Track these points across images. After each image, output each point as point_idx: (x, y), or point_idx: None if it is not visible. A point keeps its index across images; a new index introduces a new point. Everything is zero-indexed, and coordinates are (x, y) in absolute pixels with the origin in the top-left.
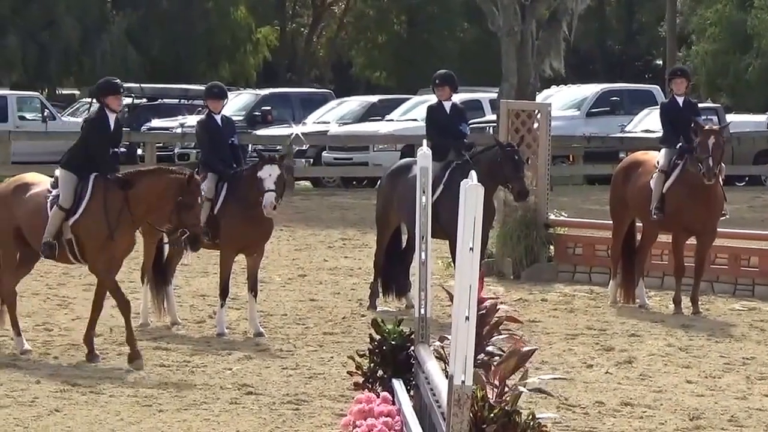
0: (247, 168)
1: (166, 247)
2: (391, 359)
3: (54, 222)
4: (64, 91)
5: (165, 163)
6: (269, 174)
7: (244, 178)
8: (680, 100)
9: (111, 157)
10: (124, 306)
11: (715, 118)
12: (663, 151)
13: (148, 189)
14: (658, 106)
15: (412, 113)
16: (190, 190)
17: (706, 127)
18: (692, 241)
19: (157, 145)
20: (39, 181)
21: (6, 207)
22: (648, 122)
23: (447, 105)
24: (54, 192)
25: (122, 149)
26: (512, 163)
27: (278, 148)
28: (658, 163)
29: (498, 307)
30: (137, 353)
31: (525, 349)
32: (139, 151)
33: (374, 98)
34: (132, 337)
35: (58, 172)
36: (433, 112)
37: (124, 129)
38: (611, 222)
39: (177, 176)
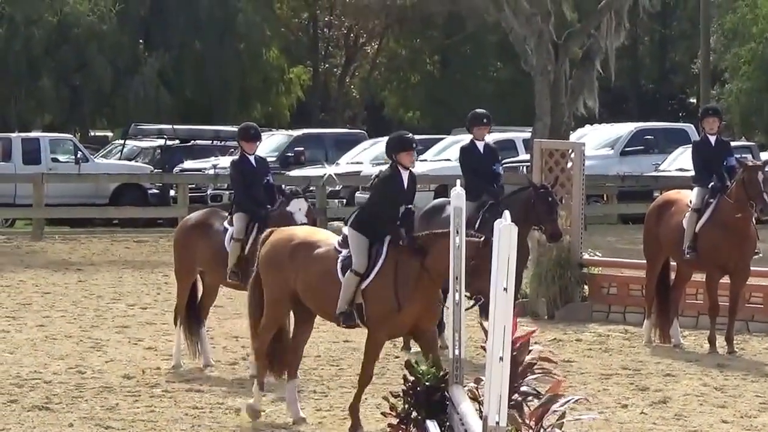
0: (274, 209)
1: (200, 289)
2: (426, 400)
3: (349, 288)
4: (97, 133)
5: (198, 205)
6: (298, 208)
7: (273, 218)
8: (712, 138)
9: (405, 215)
10: (365, 378)
11: (749, 156)
12: (695, 189)
13: (443, 254)
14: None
15: (445, 153)
16: (484, 254)
17: (750, 163)
18: (726, 279)
19: (190, 186)
20: (319, 239)
21: (282, 269)
22: (682, 161)
23: (480, 145)
24: (344, 253)
25: (409, 207)
26: (545, 204)
27: (312, 188)
28: (690, 202)
29: (531, 347)
30: (357, 424)
31: (566, 396)
32: (172, 193)
33: None
34: (356, 406)
35: (346, 230)
36: (467, 152)
37: (155, 171)
38: (645, 261)
39: (471, 240)
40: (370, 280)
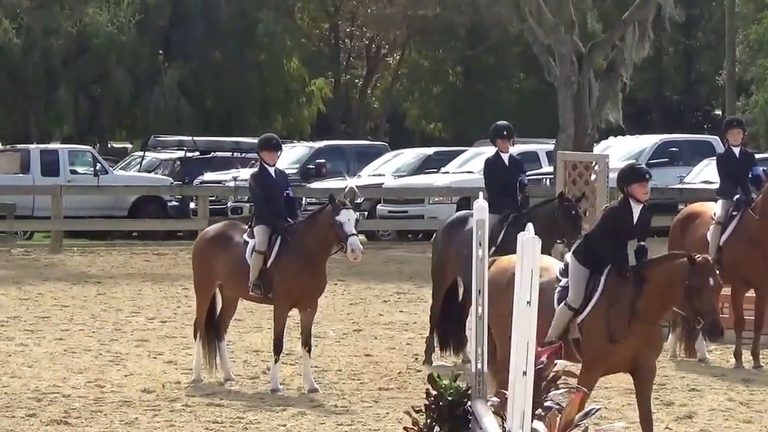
0: (302, 221)
1: (219, 301)
2: (448, 415)
3: (561, 321)
4: (116, 145)
5: (218, 217)
6: (348, 218)
7: (301, 231)
8: (736, 150)
9: (638, 253)
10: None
11: None
12: (720, 202)
13: (659, 279)
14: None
15: (468, 165)
16: (698, 273)
17: None
18: (752, 293)
19: (210, 198)
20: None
21: (501, 301)
22: (707, 173)
23: (505, 157)
24: (562, 282)
25: (642, 244)
26: (569, 217)
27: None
28: (715, 214)
29: (556, 361)
30: None
31: (587, 407)
32: (192, 205)
33: (429, 150)
34: None
35: (568, 257)
36: (491, 164)
37: (175, 183)
38: None
39: (682, 261)
40: (586, 315)
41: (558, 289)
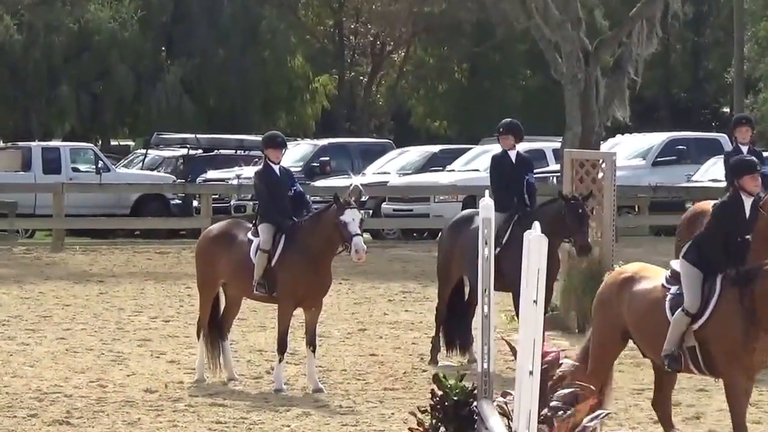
0: (306, 219)
1: (223, 301)
2: (454, 415)
3: (677, 329)
4: (119, 142)
5: (222, 216)
6: (352, 218)
7: (305, 230)
8: (745, 148)
9: (740, 248)
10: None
11: None
12: None
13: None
14: None
15: (473, 163)
16: None
17: None
18: None
19: (213, 196)
20: (648, 275)
21: (610, 307)
22: (715, 171)
23: (512, 155)
24: (673, 289)
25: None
26: (576, 216)
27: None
28: None
29: (562, 361)
30: None
31: (596, 412)
32: (195, 203)
33: (435, 148)
34: None
35: (675, 264)
36: (498, 162)
37: (178, 181)
38: None
39: None
40: (705, 320)
41: (669, 297)
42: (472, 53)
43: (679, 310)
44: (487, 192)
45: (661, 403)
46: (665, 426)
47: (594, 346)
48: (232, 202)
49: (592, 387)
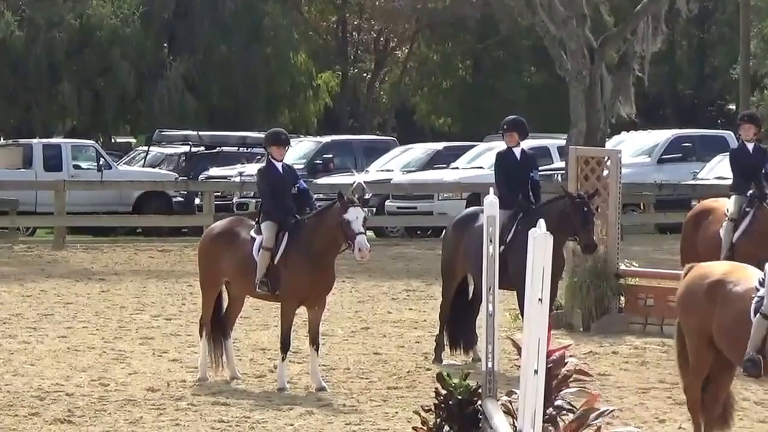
0: (310, 217)
1: (226, 300)
2: (458, 414)
3: (758, 333)
4: (120, 139)
5: (224, 213)
6: (356, 216)
7: (307, 227)
8: (750, 146)
9: None
10: None
11: None
12: (733, 198)
13: None
14: None
15: (478, 161)
16: None
17: None
18: None
19: (216, 194)
20: (739, 277)
21: (698, 311)
22: (721, 169)
23: (517, 152)
24: (761, 292)
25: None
26: (581, 214)
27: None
28: (728, 210)
29: (567, 360)
30: None
31: (601, 408)
32: (197, 201)
33: (439, 145)
34: None
35: None
36: (503, 159)
37: (180, 178)
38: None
39: None
40: None
41: (755, 299)
42: (476, 50)
43: (758, 314)
44: (491, 189)
45: (710, 407)
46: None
47: (689, 348)
48: (235, 200)
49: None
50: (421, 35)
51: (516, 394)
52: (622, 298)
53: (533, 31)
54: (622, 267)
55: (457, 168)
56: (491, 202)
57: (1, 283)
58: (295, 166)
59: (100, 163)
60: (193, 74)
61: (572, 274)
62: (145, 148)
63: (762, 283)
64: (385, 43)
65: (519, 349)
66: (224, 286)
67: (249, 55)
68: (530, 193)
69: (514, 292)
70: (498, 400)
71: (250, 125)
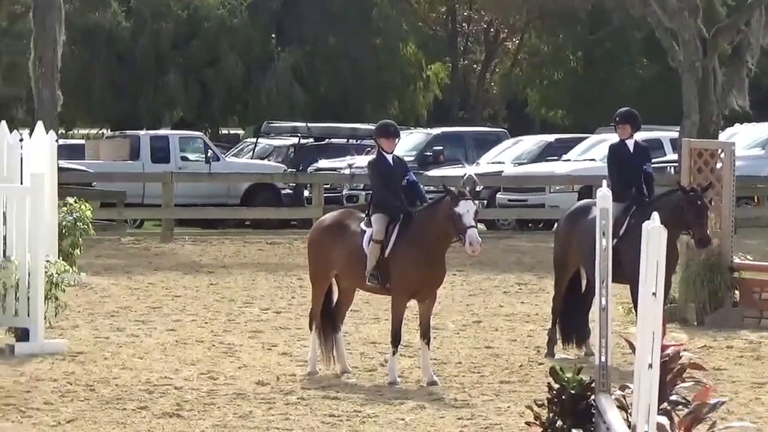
0: (420, 210)
1: (336, 293)
2: (571, 409)
3: None
4: (228, 131)
5: (333, 205)
6: (467, 210)
7: (417, 220)
8: None
9: None
10: None
11: None
12: None
13: None
14: None
15: (590, 153)
16: None
17: None
18: None
19: (325, 186)
20: None
21: None
22: None
23: (630, 144)
24: None
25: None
26: (695, 208)
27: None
28: None
29: (681, 354)
30: None
31: (712, 401)
32: (306, 193)
33: (550, 137)
34: None
35: None
36: (616, 151)
37: (288, 170)
38: None
39: None
40: None
41: None
42: (587, 41)
43: None
44: (604, 182)
45: None
46: None
47: None
48: (344, 192)
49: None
50: (532, 26)
51: (630, 388)
52: (737, 292)
53: (645, 22)
54: (736, 260)
55: (568, 160)
56: (604, 194)
57: (109, 276)
58: (406, 158)
59: (208, 154)
60: (301, 65)
61: (686, 267)
62: (254, 139)
63: None
64: (495, 34)
65: (631, 345)
66: (334, 279)
67: (357, 46)
68: (643, 186)
69: (627, 286)
70: (611, 395)
71: (359, 117)
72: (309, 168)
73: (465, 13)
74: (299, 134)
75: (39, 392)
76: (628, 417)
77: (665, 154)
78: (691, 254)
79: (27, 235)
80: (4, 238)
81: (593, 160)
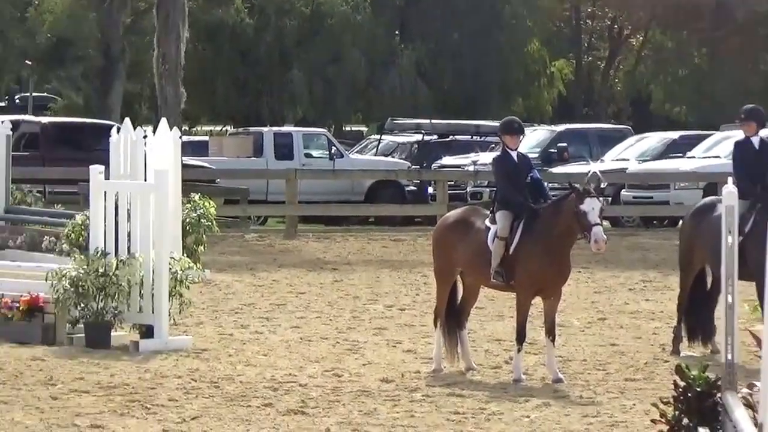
0: (545, 207)
1: (460, 290)
2: (697, 407)
3: None
4: (352, 128)
5: (457, 203)
6: (592, 207)
7: (542, 217)
8: None
9: None
10: None
11: None
12: None
13: None
14: None
15: (714, 150)
16: None
17: None
18: None
19: (449, 183)
20: None
21: None
22: None
23: (755, 141)
24: None
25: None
26: None
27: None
28: None
29: None
30: None
31: None
32: (430, 190)
33: (675, 134)
34: None
35: None
36: (741, 148)
37: (412, 167)
38: None
39: None
40: None
41: None
42: (712, 37)
43: None
44: (730, 179)
45: None
46: None
47: None
48: (469, 189)
49: None
50: (656, 23)
51: (757, 386)
52: None
53: None
54: None
55: (693, 157)
56: (730, 191)
57: (233, 273)
58: (530, 155)
59: (332, 151)
60: (425, 62)
61: None
62: (377, 136)
63: None
64: (619, 31)
65: (758, 341)
66: (459, 276)
67: (482, 42)
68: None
69: (753, 284)
70: (738, 393)
71: (483, 113)
72: (433, 165)
73: (589, 10)
74: (423, 131)
75: (163, 389)
76: (755, 415)
77: None
78: None
79: (151, 232)
80: (129, 234)
81: (718, 157)
